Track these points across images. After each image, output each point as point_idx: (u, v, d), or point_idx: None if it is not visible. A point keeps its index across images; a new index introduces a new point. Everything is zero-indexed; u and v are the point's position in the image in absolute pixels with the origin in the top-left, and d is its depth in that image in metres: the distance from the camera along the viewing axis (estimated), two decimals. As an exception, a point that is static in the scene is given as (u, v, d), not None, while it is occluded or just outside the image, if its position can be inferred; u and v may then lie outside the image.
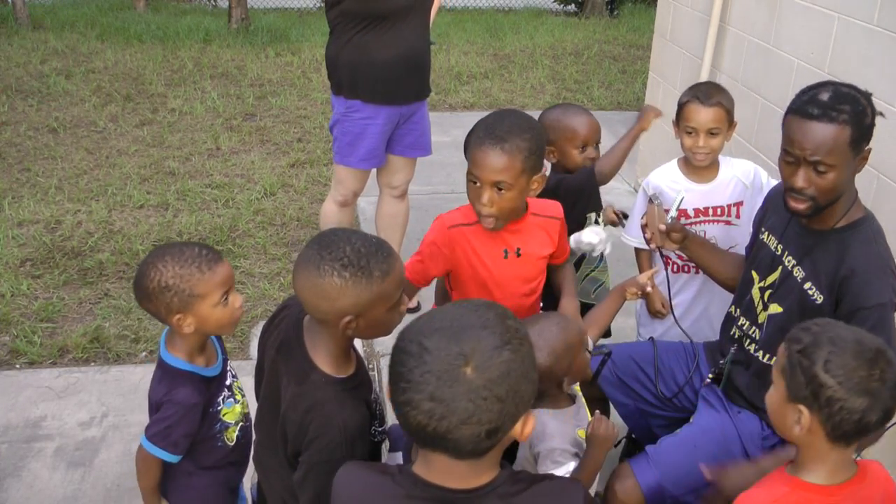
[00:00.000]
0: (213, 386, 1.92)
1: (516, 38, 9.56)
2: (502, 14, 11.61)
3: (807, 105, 1.95)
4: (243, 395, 2.02)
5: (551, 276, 2.36)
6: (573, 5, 11.85)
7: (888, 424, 1.95)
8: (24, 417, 3.09)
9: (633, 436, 2.66)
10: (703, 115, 2.57)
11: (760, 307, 2.21)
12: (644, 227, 2.39)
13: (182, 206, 4.86)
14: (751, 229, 2.39)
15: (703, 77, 4.21)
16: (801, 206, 2.00)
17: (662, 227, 2.33)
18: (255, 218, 4.74)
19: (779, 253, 2.17)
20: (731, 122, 2.63)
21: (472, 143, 2.05)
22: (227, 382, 1.97)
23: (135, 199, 4.89)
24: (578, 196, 2.63)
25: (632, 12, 11.41)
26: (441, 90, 7.45)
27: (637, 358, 2.47)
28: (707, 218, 2.70)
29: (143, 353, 3.52)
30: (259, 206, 4.89)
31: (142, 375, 3.36)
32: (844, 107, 1.91)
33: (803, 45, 3.44)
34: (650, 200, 2.41)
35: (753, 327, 2.24)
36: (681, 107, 2.64)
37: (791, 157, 1.98)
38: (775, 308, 2.16)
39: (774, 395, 1.54)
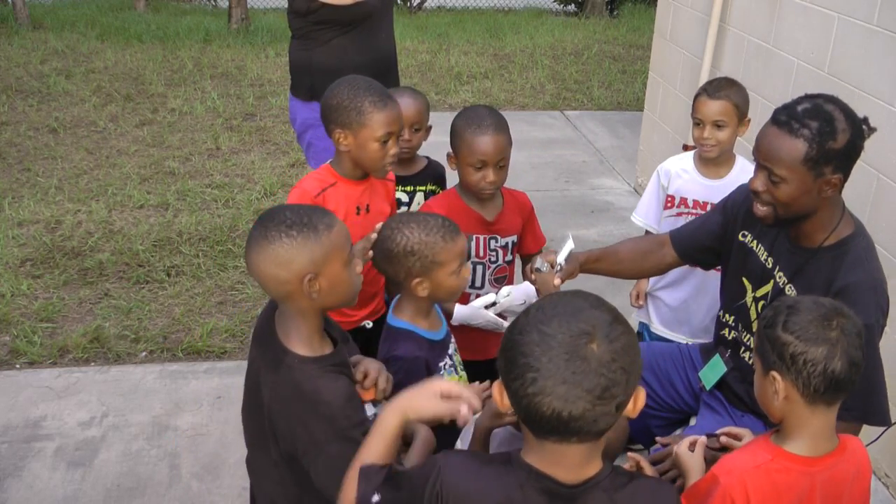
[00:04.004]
0: (435, 348, 1.97)
1: (516, 38, 9.56)
2: (502, 14, 11.62)
3: (781, 111, 1.93)
4: (463, 371, 2.08)
5: None
6: (573, 5, 11.85)
7: (886, 428, 1.96)
8: (24, 417, 3.09)
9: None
10: (709, 106, 2.62)
11: (755, 316, 2.20)
12: (538, 292, 2.30)
13: (182, 206, 4.86)
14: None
15: (703, 77, 4.21)
16: (761, 212, 2.02)
17: (558, 282, 2.24)
18: (255, 218, 4.73)
19: (770, 266, 2.15)
20: (741, 118, 2.66)
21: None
22: (450, 352, 2.03)
23: (135, 199, 4.89)
24: None
25: (632, 12, 11.40)
26: (441, 90, 7.45)
27: None
28: (705, 213, 2.72)
29: (143, 353, 3.52)
30: (259, 206, 4.89)
31: (142, 375, 3.36)
32: (812, 123, 1.87)
33: (803, 45, 3.44)
34: (536, 271, 2.28)
35: (748, 335, 2.23)
36: (693, 99, 2.70)
37: (755, 159, 1.99)
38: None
39: (756, 377, 1.62)
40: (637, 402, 1.26)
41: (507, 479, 1.28)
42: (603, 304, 1.25)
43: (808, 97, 1.95)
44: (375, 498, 1.38)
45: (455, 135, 2.38)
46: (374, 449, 1.45)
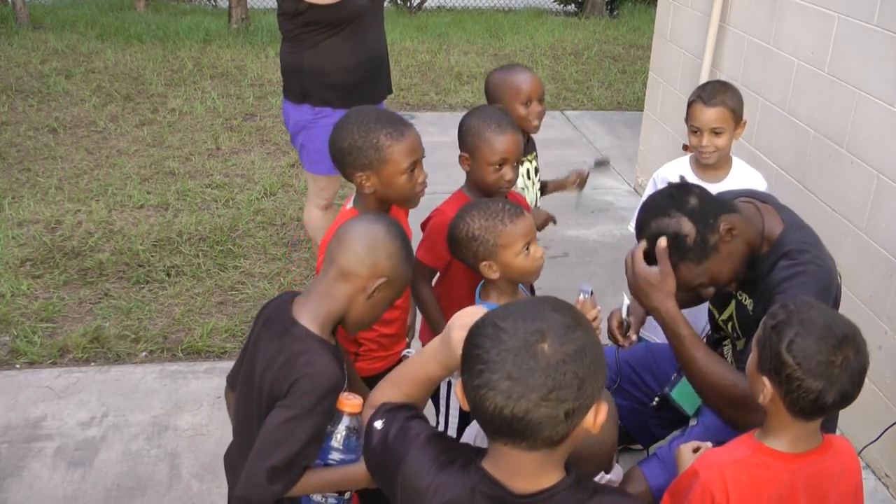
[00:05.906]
0: None
1: (516, 38, 9.56)
2: (502, 14, 11.61)
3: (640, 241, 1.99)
4: None
5: None
6: (573, 5, 11.85)
7: (886, 428, 1.95)
8: (24, 417, 3.09)
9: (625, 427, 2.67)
10: (706, 114, 2.60)
11: (731, 332, 2.24)
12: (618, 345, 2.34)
13: (182, 206, 4.86)
14: None
15: (703, 77, 4.21)
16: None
17: (634, 337, 2.30)
18: (255, 218, 4.75)
19: (730, 288, 2.17)
20: (737, 122, 2.65)
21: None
22: None
23: (135, 199, 4.89)
24: None
25: (632, 12, 11.41)
26: (441, 90, 7.45)
27: (631, 361, 2.48)
28: None
29: (143, 353, 3.52)
30: (259, 206, 4.89)
31: (142, 375, 3.36)
32: (660, 244, 1.93)
33: (803, 45, 3.44)
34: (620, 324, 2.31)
35: (730, 351, 2.28)
36: (688, 106, 2.68)
37: None
38: (741, 344, 2.20)
39: (750, 363, 1.63)
40: (598, 416, 1.21)
41: (461, 481, 1.27)
42: (567, 309, 1.23)
43: (642, 220, 2.00)
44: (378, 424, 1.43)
45: (472, 135, 2.30)
46: (409, 391, 1.52)
